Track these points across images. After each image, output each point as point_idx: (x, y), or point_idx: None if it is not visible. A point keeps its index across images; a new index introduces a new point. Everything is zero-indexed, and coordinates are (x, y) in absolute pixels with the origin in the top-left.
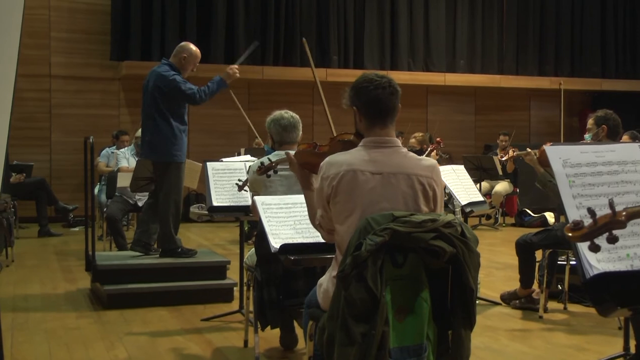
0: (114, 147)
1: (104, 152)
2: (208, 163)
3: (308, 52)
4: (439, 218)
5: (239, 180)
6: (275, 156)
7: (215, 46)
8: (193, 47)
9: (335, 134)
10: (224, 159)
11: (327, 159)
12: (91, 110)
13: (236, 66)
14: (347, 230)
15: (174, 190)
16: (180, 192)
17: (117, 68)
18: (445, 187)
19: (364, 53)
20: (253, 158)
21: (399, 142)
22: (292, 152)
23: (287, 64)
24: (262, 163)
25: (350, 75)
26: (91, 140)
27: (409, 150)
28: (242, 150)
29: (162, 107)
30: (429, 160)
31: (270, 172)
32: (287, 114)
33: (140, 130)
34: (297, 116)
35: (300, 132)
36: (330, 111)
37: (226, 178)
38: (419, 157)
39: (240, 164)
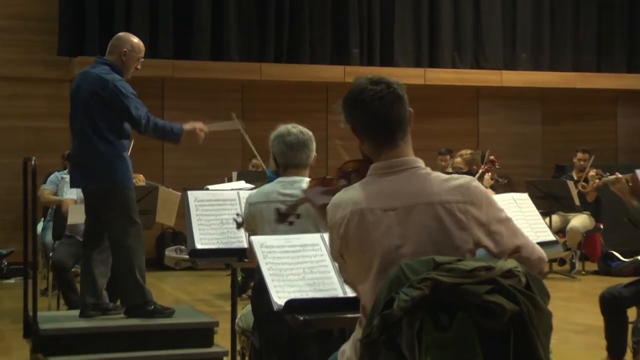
0: (65, 171)
1: (51, 177)
2: (189, 192)
3: (241, 127)
4: (496, 265)
5: (238, 214)
6: (280, 184)
7: (199, 38)
8: (134, 38)
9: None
10: (210, 187)
11: (332, 199)
12: (33, 122)
13: (205, 129)
14: (371, 291)
15: (127, 220)
16: (136, 222)
17: (67, 66)
18: None
19: (394, 45)
20: (249, 185)
21: (417, 161)
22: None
23: (293, 59)
24: (277, 210)
25: (377, 74)
26: (33, 162)
27: (453, 172)
28: (234, 174)
29: (98, 121)
30: (459, 178)
31: (292, 219)
32: (295, 128)
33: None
34: (308, 132)
35: (313, 152)
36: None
37: (213, 212)
38: (446, 176)
39: (232, 193)
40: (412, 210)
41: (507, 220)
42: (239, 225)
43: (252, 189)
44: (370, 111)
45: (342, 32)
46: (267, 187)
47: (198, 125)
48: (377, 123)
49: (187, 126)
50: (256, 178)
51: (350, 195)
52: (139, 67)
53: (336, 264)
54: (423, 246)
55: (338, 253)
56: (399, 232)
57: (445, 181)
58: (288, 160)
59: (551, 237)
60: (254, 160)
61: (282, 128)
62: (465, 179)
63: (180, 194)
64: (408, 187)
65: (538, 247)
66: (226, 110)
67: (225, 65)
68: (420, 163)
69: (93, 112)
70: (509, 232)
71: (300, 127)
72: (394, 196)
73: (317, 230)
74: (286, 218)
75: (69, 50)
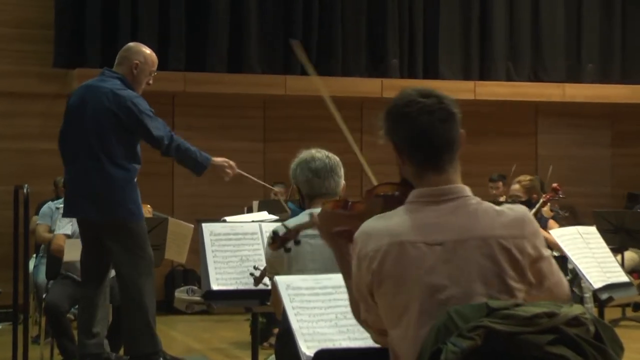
0: (59, 200)
1: (45, 208)
2: (204, 225)
3: (300, 55)
4: (560, 311)
5: (255, 267)
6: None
7: (215, 47)
8: (146, 49)
9: (376, 183)
10: (227, 218)
11: (362, 226)
12: (25, 143)
13: (234, 167)
14: (405, 336)
15: (139, 254)
16: (149, 256)
17: (64, 79)
18: (567, 260)
19: (438, 55)
20: (272, 217)
21: (466, 190)
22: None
23: (323, 71)
24: (274, 233)
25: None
26: (26, 190)
27: (510, 201)
28: (255, 203)
29: (113, 144)
30: (515, 211)
31: (290, 245)
32: (320, 153)
33: (60, 179)
34: (334, 157)
35: (342, 180)
36: (387, 142)
37: (231, 248)
38: (498, 207)
39: (253, 226)
40: (462, 246)
41: (548, 257)
42: (257, 280)
43: (276, 220)
44: (415, 127)
45: (379, 40)
46: (293, 222)
47: (230, 163)
48: (423, 142)
49: (218, 160)
50: (280, 208)
51: (386, 224)
52: (150, 82)
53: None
54: (473, 288)
55: (366, 290)
56: (446, 270)
57: (498, 214)
58: (315, 189)
59: (624, 277)
60: (276, 188)
61: (305, 154)
62: (519, 211)
63: (192, 226)
64: (457, 220)
65: (566, 283)
66: (245, 130)
67: (244, 78)
68: (469, 192)
69: (107, 133)
70: (548, 270)
71: (325, 152)
72: (440, 229)
73: (327, 267)
74: (284, 243)
75: (67, 62)
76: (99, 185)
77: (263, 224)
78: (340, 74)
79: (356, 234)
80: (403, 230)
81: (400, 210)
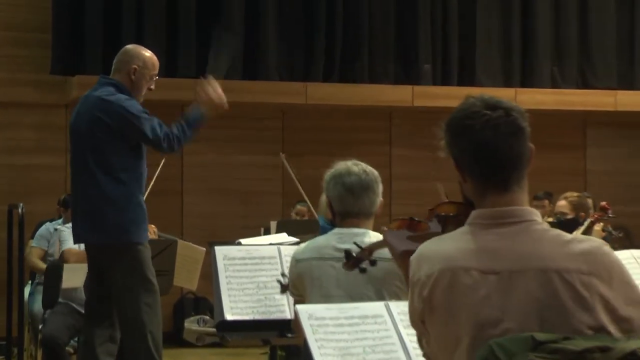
0: (60, 220)
1: (42, 230)
2: (217, 248)
3: (287, 165)
4: (615, 345)
5: (283, 274)
6: (336, 237)
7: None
8: (146, 51)
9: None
10: (243, 241)
11: (418, 249)
12: (19, 158)
13: (219, 90)
14: None
15: (142, 282)
16: (153, 285)
17: (62, 87)
18: None
19: (475, 59)
20: (292, 239)
21: (533, 213)
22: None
23: (347, 78)
24: (348, 253)
25: (454, 96)
26: (21, 209)
27: (556, 220)
28: (273, 224)
29: (107, 156)
30: (586, 241)
31: (366, 265)
32: (358, 167)
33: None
34: (373, 172)
35: (379, 197)
36: (419, 156)
37: (247, 273)
38: (569, 236)
39: (271, 249)
40: (520, 277)
41: (623, 302)
42: (284, 288)
43: (296, 243)
44: (479, 142)
45: (410, 43)
46: (320, 240)
47: (210, 84)
48: (486, 157)
49: (202, 103)
50: (301, 229)
51: (441, 247)
52: (152, 87)
53: (406, 339)
54: (529, 323)
55: (418, 318)
56: (500, 302)
57: (566, 243)
58: (347, 208)
59: None
60: (298, 206)
61: (341, 166)
62: (593, 242)
63: (204, 249)
64: (517, 246)
65: None
66: (262, 142)
67: (261, 85)
68: (537, 216)
69: (99, 144)
70: (627, 317)
71: (364, 166)
72: (498, 256)
73: (380, 295)
74: (358, 264)
75: (65, 68)
76: (94, 203)
77: (282, 247)
78: (366, 80)
79: (412, 258)
80: (458, 255)
81: (458, 233)
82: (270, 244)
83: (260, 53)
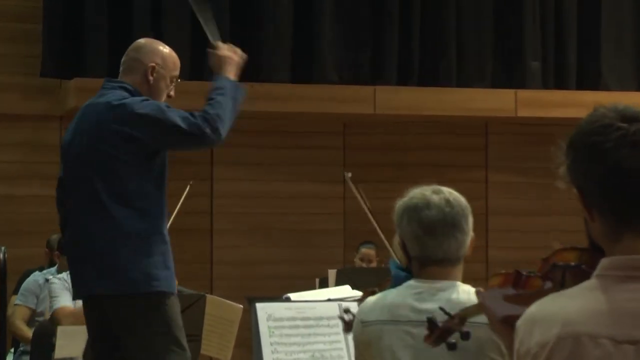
0: (52, 268)
1: (28, 282)
2: (258, 305)
3: (354, 189)
4: None
5: (347, 310)
6: (412, 292)
7: (273, 48)
8: (164, 47)
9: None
10: (292, 295)
11: (528, 310)
12: (2, 187)
13: (237, 51)
14: None
15: (172, 345)
16: (186, 355)
17: (56, 93)
18: None
19: (600, 56)
20: (354, 293)
21: None
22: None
23: (429, 80)
24: (431, 322)
25: (572, 103)
26: (2, 254)
27: None
28: (332, 273)
29: (123, 180)
30: None
31: (456, 339)
32: (439, 196)
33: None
34: (460, 202)
35: (470, 235)
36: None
37: (298, 339)
38: None
39: (330, 306)
40: None
41: None
42: (347, 327)
43: (362, 298)
44: (613, 165)
45: (512, 36)
46: (393, 296)
47: (224, 53)
48: (623, 188)
49: (220, 67)
50: (369, 279)
51: (560, 307)
52: (172, 93)
53: None
54: None
55: None
56: None
57: None
58: (427, 252)
59: None
60: (363, 249)
61: (417, 195)
62: None
63: (241, 307)
64: None
65: None
66: (317, 165)
67: (315, 90)
68: None
69: (112, 166)
70: None
71: (447, 193)
72: (637, 319)
73: None
74: (445, 337)
75: (60, 69)
76: (106, 243)
77: (344, 304)
78: (454, 83)
79: (519, 322)
80: (582, 317)
81: (582, 289)
82: (329, 300)
83: (314, 49)
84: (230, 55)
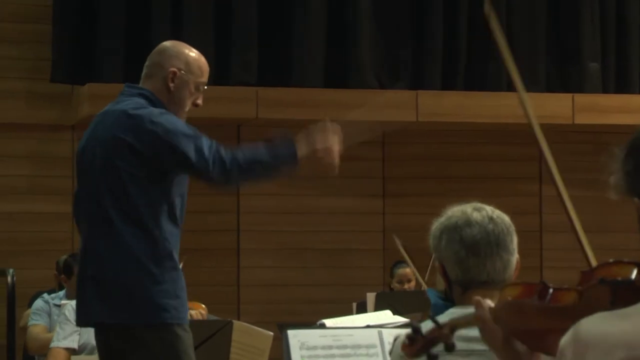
0: (61, 292)
1: (37, 303)
2: (290, 332)
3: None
4: None
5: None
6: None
7: (303, 49)
8: (190, 50)
9: (593, 264)
10: (327, 321)
11: (576, 328)
12: (8, 204)
13: (337, 146)
14: None
15: None
16: None
17: (68, 100)
18: None
19: None
20: (399, 319)
21: None
22: (488, 304)
23: (475, 84)
24: (415, 330)
25: (635, 108)
26: (11, 276)
27: None
28: (371, 296)
29: (132, 197)
30: None
31: (437, 352)
32: (480, 213)
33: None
34: (503, 219)
35: (514, 257)
36: (585, 197)
37: None
38: None
39: (369, 333)
40: None
41: None
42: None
43: (404, 325)
44: None
45: (569, 34)
46: (428, 323)
47: (325, 140)
48: None
49: (304, 144)
50: (411, 303)
51: (620, 328)
52: (199, 101)
53: None
54: None
55: None
56: None
57: None
58: (470, 274)
59: None
60: (398, 270)
61: (456, 213)
62: None
63: (271, 334)
64: None
65: None
66: (354, 179)
67: (352, 95)
68: None
69: (122, 181)
70: None
71: (489, 210)
72: None
73: None
74: (427, 347)
75: (72, 74)
76: (112, 266)
77: (385, 331)
78: (503, 87)
79: (564, 340)
80: None
81: None
82: (368, 327)
83: (350, 50)
84: (322, 149)
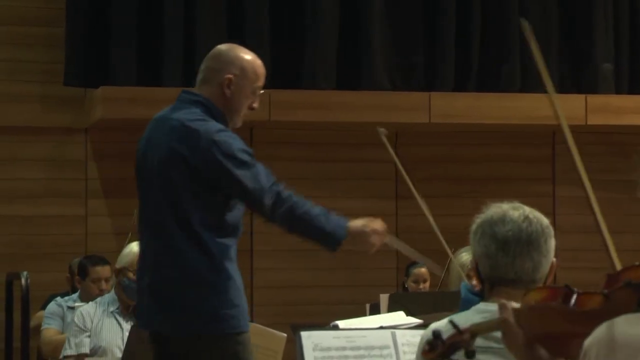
0: (74, 295)
1: (50, 307)
2: (304, 334)
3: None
4: None
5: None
6: (480, 317)
7: (320, 51)
8: (247, 53)
9: (618, 267)
10: (340, 323)
11: (597, 332)
12: (22, 207)
13: (381, 231)
14: None
15: None
16: None
17: (81, 104)
18: None
19: None
20: (411, 320)
21: None
22: (514, 306)
23: (488, 85)
24: (435, 335)
25: None
26: (24, 279)
27: None
28: (384, 297)
29: (189, 206)
30: None
31: (457, 357)
32: (518, 212)
33: (125, 256)
34: (541, 220)
35: (549, 259)
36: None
37: None
38: None
39: (383, 335)
40: None
41: None
42: (470, 355)
43: (419, 326)
44: None
45: (582, 34)
46: (457, 321)
47: (375, 225)
48: None
49: (357, 225)
50: (425, 303)
51: None
52: (255, 104)
53: None
54: None
55: None
56: None
57: None
58: (498, 271)
59: None
60: (414, 270)
61: (495, 210)
62: None
63: (284, 335)
64: None
65: None
66: (366, 181)
67: (364, 97)
68: None
69: (178, 191)
70: None
71: (528, 211)
72: None
73: None
74: (448, 353)
75: (85, 77)
76: (167, 272)
77: (399, 332)
78: (517, 88)
79: (589, 341)
80: None
81: None
82: (381, 328)
83: (362, 51)
84: (366, 240)
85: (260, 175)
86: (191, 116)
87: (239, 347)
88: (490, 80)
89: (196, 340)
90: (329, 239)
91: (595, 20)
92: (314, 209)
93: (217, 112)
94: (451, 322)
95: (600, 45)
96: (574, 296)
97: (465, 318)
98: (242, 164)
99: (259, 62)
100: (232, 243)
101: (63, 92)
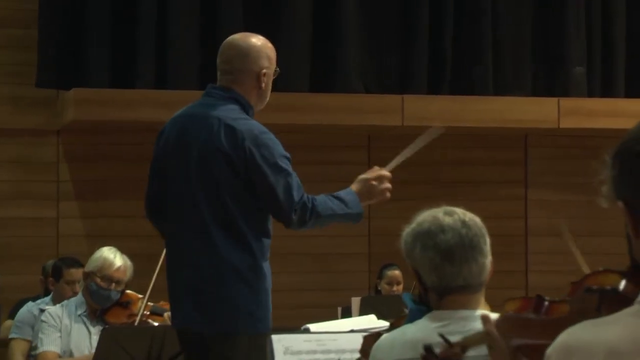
0: (46, 298)
1: (22, 312)
2: (275, 337)
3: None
4: None
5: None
6: (436, 323)
7: (292, 54)
8: (266, 41)
9: (586, 272)
10: (311, 326)
11: (561, 337)
12: None
13: (387, 174)
14: None
15: None
16: None
17: (53, 105)
18: None
19: None
20: (382, 323)
21: None
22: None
23: (462, 89)
24: (428, 350)
25: (621, 112)
26: None
27: None
28: (355, 300)
29: (231, 206)
30: None
31: None
32: (452, 217)
33: (116, 258)
34: (475, 222)
35: (488, 260)
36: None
37: None
38: None
39: (354, 339)
40: None
41: None
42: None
43: (389, 329)
44: None
45: (554, 38)
46: (413, 331)
47: (379, 172)
48: None
49: (360, 185)
50: (396, 307)
51: (601, 335)
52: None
53: None
54: None
55: None
56: None
57: None
58: (445, 280)
59: None
60: (388, 272)
61: (426, 219)
62: None
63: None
64: None
65: None
66: (338, 182)
67: (337, 100)
68: None
69: (221, 190)
70: None
71: (460, 214)
72: None
73: None
74: None
75: (57, 78)
76: (205, 270)
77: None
78: (490, 91)
79: (550, 349)
80: (627, 347)
81: (625, 315)
82: (352, 331)
83: (336, 54)
84: (375, 191)
85: (292, 188)
86: (232, 114)
87: (267, 347)
88: (464, 83)
89: (238, 340)
90: (353, 218)
91: (567, 24)
92: (333, 202)
93: (250, 108)
94: (441, 336)
95: (572, 48)
96: (545, 304)
97: (419, 327)
98: (280, 171)
99: (270, 44)
100: (268, 244)
101: (35, 94)
